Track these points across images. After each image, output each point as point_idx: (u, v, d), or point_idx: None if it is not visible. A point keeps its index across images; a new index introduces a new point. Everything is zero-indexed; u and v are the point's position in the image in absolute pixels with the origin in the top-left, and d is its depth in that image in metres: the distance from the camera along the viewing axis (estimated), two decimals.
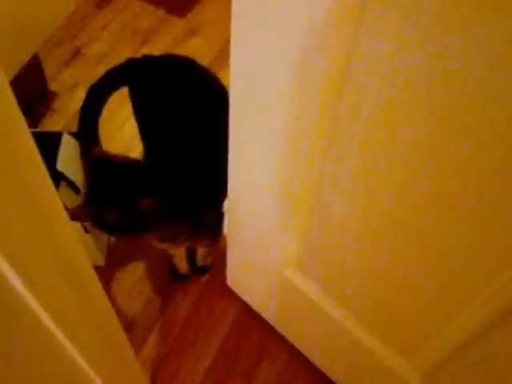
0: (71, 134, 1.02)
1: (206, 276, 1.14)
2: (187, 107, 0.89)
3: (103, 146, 1.17)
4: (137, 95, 0.95)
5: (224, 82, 0.94)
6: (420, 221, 0.55)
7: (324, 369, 1.01)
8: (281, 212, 0.75)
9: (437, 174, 0.49)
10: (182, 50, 1.50)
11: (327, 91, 0.52)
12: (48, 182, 0.39)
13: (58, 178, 0.95)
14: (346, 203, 0.63)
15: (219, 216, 0.97)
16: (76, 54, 1.50)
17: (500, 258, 0.50)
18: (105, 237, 1.15)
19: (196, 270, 1.13)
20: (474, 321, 0.59)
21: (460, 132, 0.44)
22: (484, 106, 0.41)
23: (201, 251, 1.08)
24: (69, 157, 0.98)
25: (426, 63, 0.42)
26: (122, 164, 0.78)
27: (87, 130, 0.93)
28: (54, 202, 0.41)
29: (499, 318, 0.56)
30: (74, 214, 0.76)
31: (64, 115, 1.36)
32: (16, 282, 0.38)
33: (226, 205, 0.90)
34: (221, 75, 0.97)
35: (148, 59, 0.97)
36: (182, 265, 1.11)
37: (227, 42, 0.58)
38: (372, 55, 0.45)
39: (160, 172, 0.80)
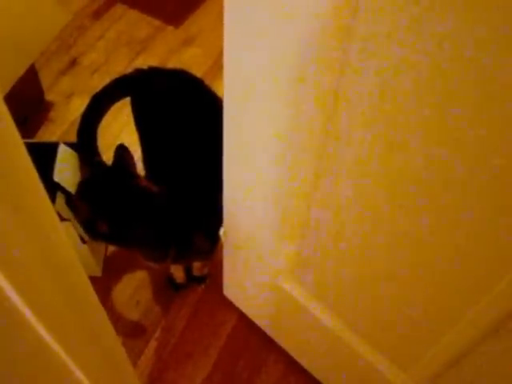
0: (68, 144, 1.02)
1: (203, 285, 1.13)
2: (188, 124, 0.89)
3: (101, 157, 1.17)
4: (139, 106, 0.95)
5: (219, 92, 0.95)
6: (415, 233, 0.56)
7: (321, 378, 1.00)
8: (275, 223, 0.75)
9: (432, 186, 0.50)
10: (177, 60, 1.51)
11: (321, 104, 0.53)
12: (43, 193, 0.39)
13: (54, 188, 0.95)
14: (339, 215, 0.64)
15: (213, 241, 0.96)
16: (72, 63, 1.51)
17: (494, 268, 0.51)
18: (102, 248, 1.15)
19: (193, 280, 1.13)
20: (469, 332, 0.60)
21: (455, 143, 0.45)
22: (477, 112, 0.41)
23: (196, 263, 1.08)
24: (65, 167, 0.98)
25: (414, 73, 0.43)
26: (133, 187, 0.78)
27: (86, 138, 0.93)
28: (49, 215, 0.41)
29: (493, 330, 0.56)
30: (71, 201, 0.77)
31: (60, 125, 1.37)
32: (10, 292, 0.38)
33: (222, 230, 0.91)
34: (216, 84, 0.98)
35: (153, 71, 0.97)
36: (179, 275, 1.11)
37: (223, 52, 0.58)
38: (364, 69, 0.46)
39: (161, 201, 0.80)
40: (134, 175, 0.80)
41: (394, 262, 0.62)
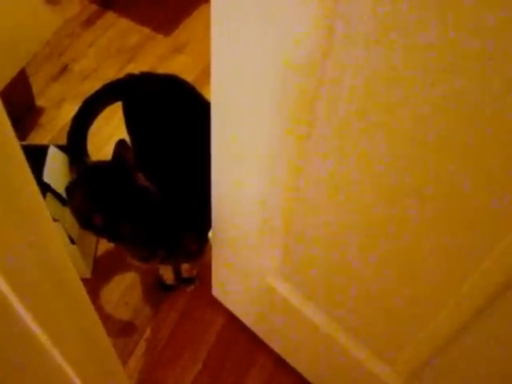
0: (58, 146, 1.04)
1: (192, 286, 1.15)
2: (179, 128, 0.91)
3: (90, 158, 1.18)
4: (131, 110, 0.97)
5: (208, 98, 0.98)
6: (396, 227, 0.57)
7: (309, 377, 1.01)
8: (262, 224, 0.77)
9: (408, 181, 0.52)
10: (167, 67, 1.54)
11: (302, 112, 0.55)
12: (36, 192, 0.40)
13: (44, 189, 0.96)
14: (323, 214, 0.65)
15: (201, 243, 0.97)
16: (63, 70, 1.52)
17: (472, 257, 0.52)
18: (91, 249, 1.16)
19: (182, 281, 1.14)
20: (450, 323, 0.61)
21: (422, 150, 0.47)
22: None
23: (185, 265, 1.10)
24: (55, 169, 0.99)
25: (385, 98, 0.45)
26: (131, 183, 0.79)
27: (76, 140, 0.94)
28: (43, 214, 0.42)
29: (473, 320, 0.57)
30: (69, 189, 0.77)
31: (51, 130, 1.38)
32: (4, 289, 0.38)
33: (210, 233, 0.92)
34: (205, 91, 1.00)
35: (145, 77, 0.99)
36: (168, 276, 1.12)
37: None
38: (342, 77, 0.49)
39: (156, 200, 0.81)
40: (133, 172, 0.80)
41: (376, 259, 0.64)
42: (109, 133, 1.36)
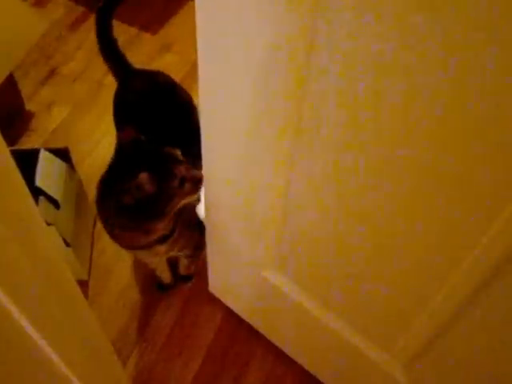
0: (49, 150, 1.04)
1: (190, 284, 1.15)
2: (166, 122, 0.92)
3: (80, 161, 1.19)
4: (119, 106, 0.99)
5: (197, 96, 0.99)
6: (387, 217, 0.58)
7: (310, 369, 1.02)
8: (254, 216, 0.77)
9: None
10: (155, 66, 1.53)
11: (288, 111, 0.56)
12: (29, 198, 0.40)
13: (36, 193, 0.96)
14: (315, 205, 0.66)
15: (198, 220, 0.98)
16: (51, 73, 1.52)
17: (465, 243, 0.53)
18: (87, 251, 1.17)
19: (179, 279, 1.15)
20: (444, 309, 0.62)
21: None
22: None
23: (183, 262, 1.10)
24: (47, 172, 1.00)
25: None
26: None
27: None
28: (36, 219, 0.42)
29: (468, 305, 0.58)
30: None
31: (41, 134, 1.38)
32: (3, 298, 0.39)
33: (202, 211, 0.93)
34: (193, 88, 1.01)
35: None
36: (166, 275, 1.12)
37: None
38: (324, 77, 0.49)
39: None
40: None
41: (368, 247, 0.64)
42: (96, 139, 1.36)
